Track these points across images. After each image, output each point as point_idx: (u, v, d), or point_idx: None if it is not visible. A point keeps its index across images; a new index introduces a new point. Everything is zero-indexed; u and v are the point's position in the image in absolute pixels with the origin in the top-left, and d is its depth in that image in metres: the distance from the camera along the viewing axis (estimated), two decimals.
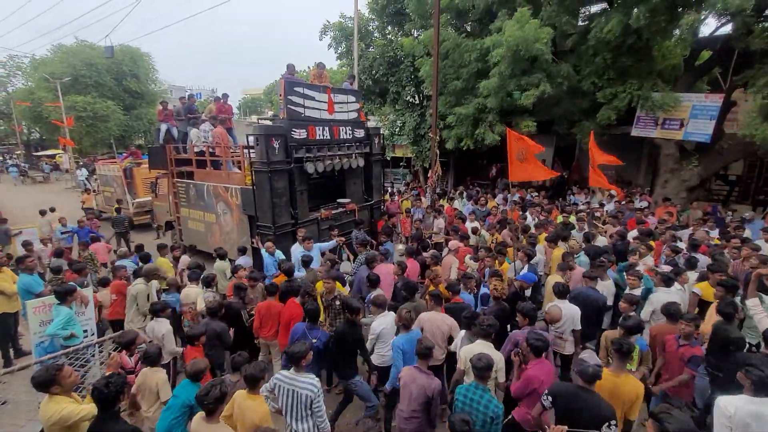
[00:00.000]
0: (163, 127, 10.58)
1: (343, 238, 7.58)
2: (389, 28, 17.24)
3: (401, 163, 20.96)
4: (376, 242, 8.55)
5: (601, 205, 10.12)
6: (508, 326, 4.64)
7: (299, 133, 7.58)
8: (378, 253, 6.17)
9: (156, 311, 4.67)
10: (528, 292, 5.46)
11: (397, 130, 16.40)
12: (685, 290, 5.13)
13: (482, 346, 3.64)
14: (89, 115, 27.93)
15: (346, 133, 8.72)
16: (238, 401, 3.14)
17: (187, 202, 9.54)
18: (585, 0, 11.25)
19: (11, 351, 6.04)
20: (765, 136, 8.49)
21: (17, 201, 16.29)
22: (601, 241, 6.98)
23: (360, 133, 9.18)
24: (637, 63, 10.45)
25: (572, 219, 8.40)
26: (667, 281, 4.93)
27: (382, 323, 4.34)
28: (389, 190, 14.49)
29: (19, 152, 38.69)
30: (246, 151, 7.75)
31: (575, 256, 6.13)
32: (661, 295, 4.77)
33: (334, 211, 8.66)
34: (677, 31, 9.78)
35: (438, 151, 10.92)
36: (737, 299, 4.51)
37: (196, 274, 5.75)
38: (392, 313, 4.58)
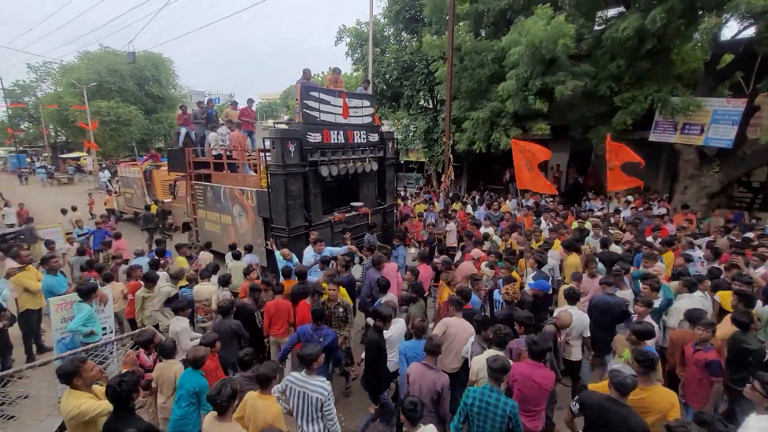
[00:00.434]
0: (183, 130, 10.86)
1: (354, 247, 7.57)
2: (404, 33, 17.37)
3: (411, 165, 20.93)
4: (390, 246, 8.56)
5: (617, 211, 9.92)
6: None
7: (314, 137, 7.68)
8: (383, 255, 6.16)
9: (177, 309, 4.82)
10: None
11: (410, 134, 16.45)
12: (707, 297, 4.99)
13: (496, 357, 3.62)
14: (113, 120, 28.90)
15: (360, 137, 8.79)
16: (250, 402, 3.17)
17: (204, 203, 9.74)
18: (602, 3, 11.12)
19: (34, 347, 6.24)
20: None
21: (44, 201, 16.91)
22: (614, 248, 6.86)
23: (374, 137, 9.24)
24: (654, 67, 10.26)
25: (588, 225, 8.26)
26: (690, 287, 4.83)
27: (391, 329, 4.34)
28: (402, 194, 14.52)
29: (46, 154, 40.12)
30: (262, 154, 7.89)
31: None
32: (685, 302, 4.68)
33: (347, 215, 8.71)
34: (697, 35, 9.57)
35: (451, 156, 10.90)
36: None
37: (208, 272, 5.95)
38: (401, 319, 4.59)
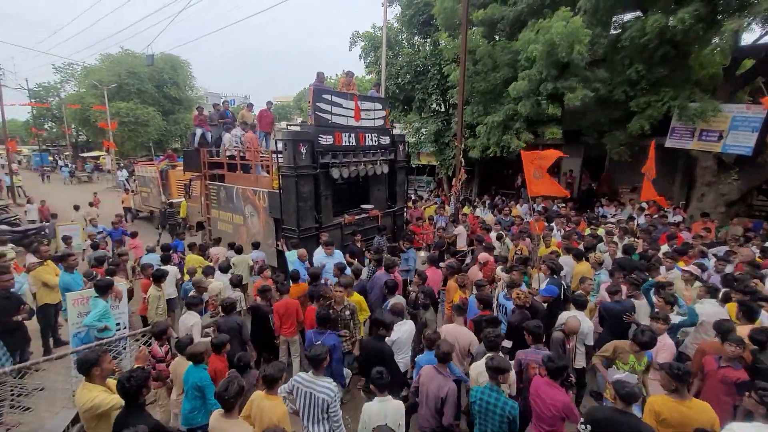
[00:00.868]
0: (198, 131, 11.06)
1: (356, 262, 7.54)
2: (417, 38, 17.44)
3: (422, 168, 20.91)
4: (399, 249, 8.57)
5: (632, 218, 9.73)
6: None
7: (326, 139, 7.75)
8: (396, 258, 6.17)
9: (189, 305, 4.95)
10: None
11: (421, 137, 16.46)
12: (719, 306, 4.86)
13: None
14: (131, 120, 29.64)
15: (371, 139, 8.84)
16: (257, 402, 3.19)
17: (218, 203, 9.90)
18: (618, 8, 10.97)
19: (51, 340, 6.42)
20: None
21: (65, 199, 17.39)
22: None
23: (385, 140, 9.27)
24: (672, 72, 10.08)
25: (600, 231, 8.14)
26: (713, 293, 4.74)
27: (398, 331, 4.35)
28: (411, 197, 14.53)
29: (67, 153, 41.29)
30: (274, 155, 8.00)
31: (596, 272, 5.92)
32: (707, 307, 4.60)
33: (357, 217, 8.75)
34: (716, 39, 9.37)
35: (463, 160, 10.87)
36: None
37: (212, 269, 6.21)
38: (410, 321, 4.59)
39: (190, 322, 4.77)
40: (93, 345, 4.69)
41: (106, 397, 3.08)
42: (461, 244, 9.01)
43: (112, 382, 3.32)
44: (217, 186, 9.86)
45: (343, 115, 8.19)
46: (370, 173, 8.77)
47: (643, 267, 5.97)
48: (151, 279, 5.90)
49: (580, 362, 4.49)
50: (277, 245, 7.91)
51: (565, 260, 6.38)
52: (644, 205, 10.65)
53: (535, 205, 11.66)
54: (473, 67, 12.47)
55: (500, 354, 3.58)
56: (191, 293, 5.39)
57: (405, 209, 10.64)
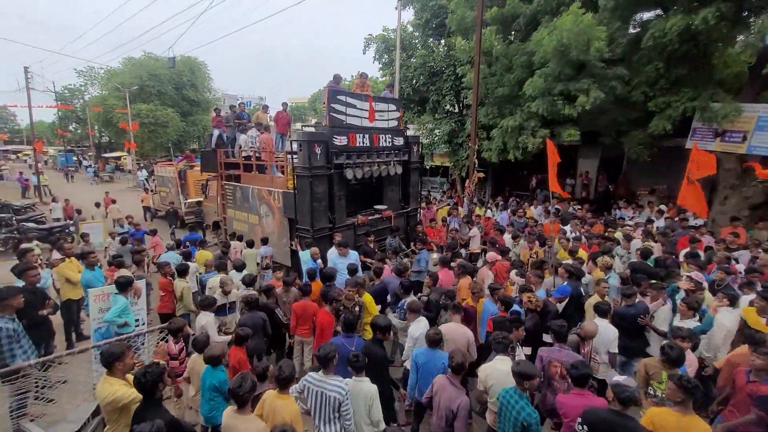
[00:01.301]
0: (216, 132, 11.28)
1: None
2: (431, 39, 17.44)
3: (435, 168, 20.82)
4: (411, 250, 8.57)
5: (650, 221, 9.49)
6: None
7: (340, 140, 7.81)
8: (408, 262, 6.17)
9: (204, 305, 5.01)
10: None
11: (435, 138, 16.43)
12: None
13: (501, 362, 3.57)
14: (151, 122, 30.39)
15: (385, 140, 8.86)
16: (269, 401, 3.20)
17: (234, 203, 10.07)
18: (639, 6, 10.73)
19: (73, 335, 6.64)
20: None
21: (88, 197, 17.93)
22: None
23: (399, 141, 9.28)
24: (694, 71, 9.80)
25: (618, 234, 7.97)
26: (733, 301, 4.60)
27: (418, 328, 4.38)
28: (425, 198, 14.51)
29: (90, 154, 42.60)
30: (289, 156, 8.09)
31: (606, 276, 5.80)
32: (728, 315, 4.48)
33: (370, 218, 8.78)
34: (742, 37, 9.07)
35: (476, 161, 10.79)
36: None
37: (223, 264, 6.40)
38: (425, 319, 4.60)
39: (202, 321, 4.86)
40: (113, 340, 4.83)
41: (126, 391, 3.16)
42: (475, 246, 8.95)
43: (131, 376, 3.42)
44: (233, 186, 10.03)
45: (358, 116, 8.24)
46: (383, 174, 8.79)
47: (660, 273, 5.83)
48: (176, 274, 6.09)
49: (603, 371, 4.38)
50: (292, 245, 8.00)
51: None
52: (663, 207, 10.38)
53: (550, 207, 11.49)
54: (488, 69, 12.38)
55: (507, 358, 3.54)
56: (207, 293, 5.52)
57: (418, 210, 10.63)
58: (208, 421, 3.77)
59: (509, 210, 11.33)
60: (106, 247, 9.17)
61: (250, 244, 8.16)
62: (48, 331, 5.41)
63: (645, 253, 6.42)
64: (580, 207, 11.83)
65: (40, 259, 7.34)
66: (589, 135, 12.42)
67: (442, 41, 16.59)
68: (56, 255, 7.04)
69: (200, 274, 6.80)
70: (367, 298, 5.32)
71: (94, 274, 6.33)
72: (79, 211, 11.98)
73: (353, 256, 6.89)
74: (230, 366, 4.07)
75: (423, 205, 12.11)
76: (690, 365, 3.87)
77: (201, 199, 13.74)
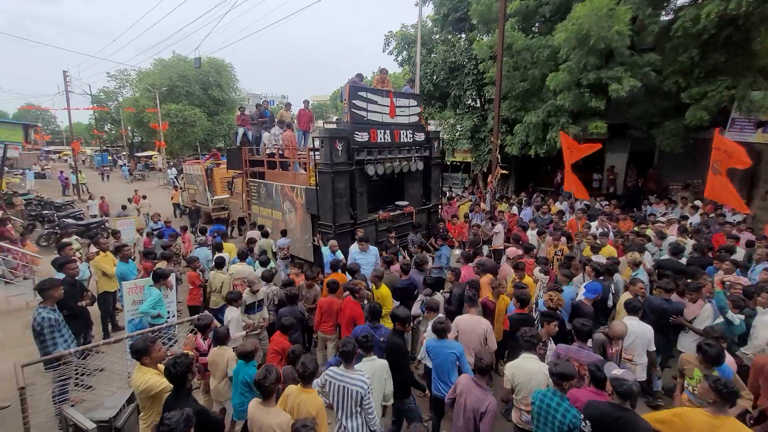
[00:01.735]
0: (240, 130, 11.55)
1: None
2: (451, 35, 17.22)
3: (456, 163, 20.54)
4: (430, 245, 8.53)
5: (684, 217, 9.04)
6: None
7: (361, 136, 7.84)
8: (427, 255, 6.13)
9: (230, 300, 5.16)
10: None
11: (456, 134, 16.23)
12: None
13: (527, 360, 3.52)
14: (180, 121, 31.42)
15: (406, 136, 8.83)
16: (293, 396, 3.20)
17: (258, 200, 10.29)
18: None
19: (109, 325, 6.98)
20: None
21: (122, 195, 18.77)
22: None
23: (420, 137, 9.23)
24: (732, 59, 9.22)
25: (649, 231, 7.66)
26: None
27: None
28: (447, 194, 14.37)
29: (124, 153, 44.51)
30: (311, 152, 8.19)
31: (633, 273, 5.59)
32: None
33: (392, 214, 8.79)
34: None
35: (499, 156, 10.59)
36: None
37: (245, 254, 6.71)
38: (443, 316, 4.57)
39: (229, 316, 5.01)
40: (146, 331, 5.05)
41: (158, 380, 3.31)
42: (498, 243, 8.81)
43: (162, 366, 3.56)
44: (258, 183, 10.24)
45: (379, 112, 8.25)
46: (404, 170, 8.77)
47: (689, 271, 5.58)
48: (216, 266, 6.32)
49: (640, 374, 4.22)
50: (314, 241, 8.10)
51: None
52: (698, 202, 9.88)
53: (576, 203, 11.15)
54: (511, 60, 12.09)
55: (535, 356, 3.48)
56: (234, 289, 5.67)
57: (440, 206, 10.55)
58: (238, 414, 3.89)
59: (533, 206, 11.07)
60: (134, 243, 9.56)
61: (266, 234, 8.50)
62: (86, 322, 5.69)
63: (676, 250, 6.15)
64: (608, 203, 11.42)
65: (79, 253, 7.75)
66: (618, 128, 11.94)
67: (462, 35, 16.33)
68: (93, 249, 7.41)
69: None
70: (384, 290, 5.34)
71: (128, 267, 6.64)
72: (124, 207, 12.86)
73: (373, 251, 6.92)
74: (274, 352, 4.26)
75: (444, 201, 12.01)
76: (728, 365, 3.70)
77: (227, 196, 14.13)
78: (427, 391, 4.45)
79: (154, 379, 3.30)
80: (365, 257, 6.64)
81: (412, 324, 4.43)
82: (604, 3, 9.07)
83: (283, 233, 8.51)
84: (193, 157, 29.89)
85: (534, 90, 11.98)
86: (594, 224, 8.24)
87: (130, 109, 34.01)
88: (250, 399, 3.70)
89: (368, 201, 8.46)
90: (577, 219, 8.98)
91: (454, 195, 14.88)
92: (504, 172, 11.32)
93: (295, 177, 9.14)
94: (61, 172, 25.98)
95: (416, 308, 5.24)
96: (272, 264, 7.37)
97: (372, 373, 3.51)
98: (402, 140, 8.73)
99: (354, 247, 6.94)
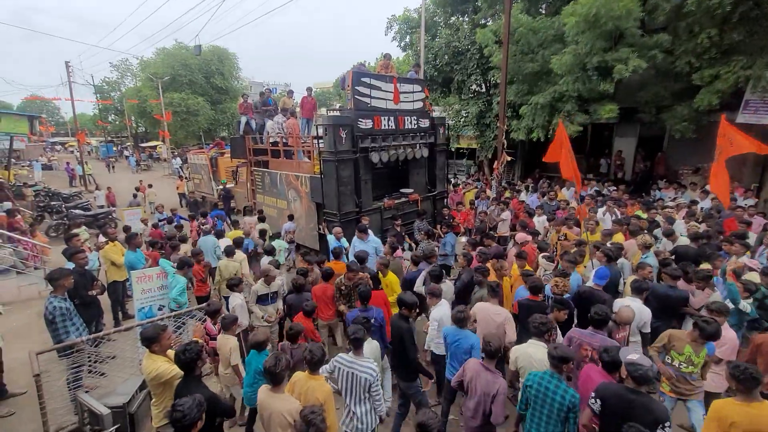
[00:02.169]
0: (243, 119, 11.48)
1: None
2: (454, 18, 16.86)
3: (461, 150, 20.34)
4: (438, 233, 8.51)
5: (694, 202, 8.91)
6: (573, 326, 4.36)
7: (365, 123, 7.76)
8: (435, 245, 6.11)
9: (232, 286, 5.22)
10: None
11: (461, 119, 16.02)
12: None
13: (534, 347, 3.52)
14: (183, 110, 31.31)
15: (411, 123, 8.73)
16: (300, 383, 3.23)
17: (263, 189, 10.29)
18: None
19: (120, 314, 7.09)
20: None
21: (128, 185, 18.90)
22: (683, 240, 6.26)
23: (425, 123, 9.12)
24: (749, 37, 8.91)
25: (659, 217, 7.56)
26: None
27: (440, 312, 4.38)
28: (452, 182, 14.28)
29: (129, 144, 44.60)
30: (315, 141, 8.13)
31: (643, 255, 5.55)
32: None
33: (397, 201, 8.75)
34: None
35: (505, 141, 10.45)
36: None
37: (240, 241, 6.91)
38: (446, 302, 4.61)
39: (232, 303, 5.08)
40: (155, 319, 5.13)
41: (168, 367, 3.36)
42: (503, 230, 8.76)
43: (172, 352, 3.61)
44: (262, 172, 10.23)
45: (383, 99, 8.14)
46: (409, 157, 8.70)
47: (704, 255, 5.51)
48: (226, 255, 6.40)
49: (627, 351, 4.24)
50: (319, 229, 8.11)
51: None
52: (708, 188, 9.70)
53: (583, 191, 11.03)
54: (517, 45, 11.83)
55: (542, 343, 3.48)
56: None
57: (446, 193, 10.49)
58: (249, 401, 3.97)
59: (539, 192, 10.97)
60: (140, 233, 9.66)
61: (262, 219, 8.76)
62: (97, 310, 5.79)
63: (695, 236, 6.06)
64: (615, 188, 11.28)
65: (88, 243, 7.84)
66: (626, 112, 11.70)
67: (466, 18, 15.99)
68: (102, 239, 7.48)
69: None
70: (392, 277, 5.35)
71: (137, 256, 6.72)
72: (135, 195, 13.23)
73: (372, 241, 6.91)
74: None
75: (450, 188, 11.94)
76: (726, 343, 3.75)
77: (232, 185, 14.17)
78: (433, 378, 4.49)
79: (164, 366, 3.35)
80: (365, 246, 6.65)
81: (417, 310, 4.42)
82: None
83: (290, 218, 8.66)
84: (197, 147, 29.89)
85: (542, 73, 11.73)
86: (601, 210, 8.16)
87: (134, 101, 33.94)
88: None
89: (373, 189, 8.42)
90: (586, 206, 8.89)
91: (459, 182, 14.78)
92: (509, 159, 11.19)
93: (299, 165, 9.11)
94: (68, 163, 26.15)
95: (419, 283, 5.23)
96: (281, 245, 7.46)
97: (371, 354, 3.63)
98: (406, 127, 8.63)
99: (355, 238, 6.95)
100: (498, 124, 10.42)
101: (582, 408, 3.04)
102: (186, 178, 18.36)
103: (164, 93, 29.97)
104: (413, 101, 8.89)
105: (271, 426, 3.00)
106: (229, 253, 6.33)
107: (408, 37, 17.56)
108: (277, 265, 6.31)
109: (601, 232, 6.50)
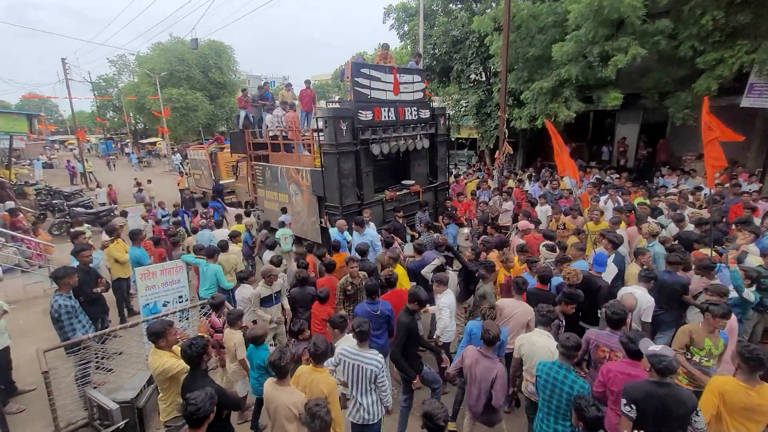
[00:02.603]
0: (242, 113, 11.41)
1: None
2: (452, 5, 16.62)
3: (461, 140, 20.20)
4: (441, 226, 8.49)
5: (699, 188, 8.85)
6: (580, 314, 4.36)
7: (365, 115, 7.70)
8: (442, 236, 6.08)
9: (241, 278, 5.27)
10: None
11: (461, 109, 15.90)
12: None
13: (539, 335, 3.53)
14: (182, 106, 31.17)
15: (411, 113, 8.66)
16: (304, 376, 3.25)
17: (264, 183, 10.25)
18: None
19: (125, 310, 7.14)
20: None
21: (129, 182, 18.89)
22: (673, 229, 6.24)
23: (425, 114, 9.05)
24: (755, 19, 8.75)
25: (661, 205, 7.53)
26: None
27: (449, 299, 4.44)
28: (453, 172, 14.22)
29: (129, 141, 44.51)
30: (315, 133, 8.09)
31: (649, 244, 5.52)
32: None
33: (398, 193, 8.72)
34: None
35: (506, 131, 10.36)
36: None
37: (237, 233, 7.16)
38: (450, 290, 4.63)
39: (245, 294, 5.12)
40: (160, 315, 5.15)
41: (174, 362, 3.38)
42: (506, 220, 8.74)
43: (178, 348, 3.64)
44: (262, 166, 10.18)
45: (382, 89, 8.06)
46: (410, 148, 8.64)
47: (704, 240, 5.49)
48: (219, 250, 6.40)
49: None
50: (321, 222, 8.10)
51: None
52: (715, 174, 9.59)
53: (586, 178, 10.97)
54: (516, 32, 11.67)
55: (547, 333, 3.48)
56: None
57: (447, 184, 10.45)
58: (257, 392, 4.01)
59: (541, 181, 10.92)
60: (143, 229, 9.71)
61: (248, 214, 9.21)
62: (102, 307, 5.83)
63: (700, 222, 6.04)
64: (618, 176, 11.22)
65: (91, 241, 7.85)
66: (629, 98, 11.59)
67: (463, 4, 15.75)
68: (105, 237, 7.50)
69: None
70: (400, 270, 5.34)
71: (141, 251, 6.80)
72: (140, 189, 13.49)
73: (369, 234, 6.88)
74: (322, 321, 4.63)
75: (452, 179, 11.89)
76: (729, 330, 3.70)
77: (233, 180, 14.17)
78: (442, 353, 4.48)
79: (170, 361, 3.38)
80: (361, 239, 6.66)
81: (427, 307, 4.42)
82: None
83: (283, 210, 8.89)
84: (197, 142, 29.83)
85: (543, 59, 11.60)
86: (603, 198, 8.12)
87: (132, 98, 33.78)
88: (265, 380, 3.80)
89: (374, 181, 8.38)
90: (589, 194, 8.85)
91: (461, 173, 14.72)
92: (510, 151, 11.10)
93: (299, 159, 9.06)
94: (68, 161, 26.14)
95: (427, 270, 5.22)
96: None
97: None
98: (407, 118, 8.56)
99: (354, 231, 6.96)
100: (499, 113, 10.32)
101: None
102: (186, 173, 18.34)
103: (162, 89, 29.81)
104: (413, 92, 8.81)
105: (277, 418, 3.03)
106: (223, 248, 6.34)
107: (406, 25, 17.34)
108: (279, 261, 6.24)
109: (609, 221, 6.45)
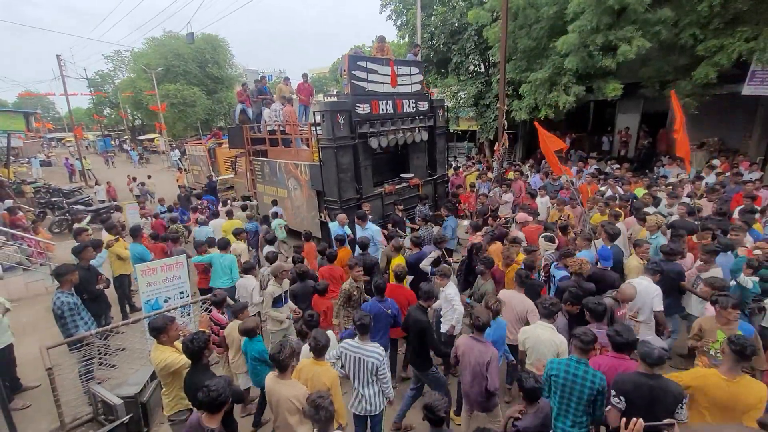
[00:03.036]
0: (239, 107, 11.35)
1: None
2: None
3: (458, 132, 20.09)
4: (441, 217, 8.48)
5: (699, 177, 8.82)
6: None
7: (363, 108, 7.66)
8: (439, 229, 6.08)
9: (245, 270, 5.32)
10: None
11: (460, 101, 15.80)
12: None
13: (541, 328, 3.55)
14: (179, 101, 30.98)
15: (409, 106, 8.61)
16: (306, 370, 3.27)
17: (262, 178, 10.24)
18: None
19: (127, 307, 7.17)
20: None
21: (126, 178, 18.88)
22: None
23: (423, 106, 9.00)
24: (756, 5, 8.66)
25: (661, 194, 7.51)
26: None
27: (453, 290, 4.48)
28: (452, 164, 14.18)
29: (126, 137, 44.31)
30: (313, 128, 8.05)
31: (652, 235, 5.50)
32: None
33: (397, 186, 8.71)
34: None
35: (506, 122, 10.31)
36: None
37: (240, 230, 7.12)
38: (452, 283, 4.64)
39: (249, 286, 5.18)
40: (162, 311, 5.17)
41: (176, 357, 3.41)
42: (506, 212, 8.73)
43: (179, 343, 3.65)
44: (261, 161, 10.16)
45: (380, 82, 8.02)
46: (409, 141, 8.61)
47: (699, 227, 5.50)
48: (218, 249, 6.34)
49: (644, 333, 4.17)
50: (321, 216, 8.10)
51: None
52: (716, 162, 9.60)
53: (585, 169, 10.94)
54: (514, 22, 11.55)
55: (551, 325, 3.49)
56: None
57: (446, 177, 10.42)
58: (258, 383, 4.04)
59: (542, 172, 10.89)
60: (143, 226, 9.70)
61: (244, 208, 9.36)
62: (105, 304, 5.85)
63: (690, 210, 6.05)
64: (618, 166, 11.19)
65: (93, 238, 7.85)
66: (629, 87, 11.52)
67: None
68: (105, 235, 7.49)
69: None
70: (401, 259, 5.37)
71: (142, 248, 6.84)
72: (143, 183, 13.67)
73: (370, 228, 6.84)
74: (323, 313, 4.61)
75: (451, 171, 11.86)
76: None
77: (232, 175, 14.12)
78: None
79: (172, 356, 3.40)
80: (363, 233, 6.63)
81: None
82: None
83: (274, 203, 9.08)
84: (195, 138, 29.70)
85: (540, 49, 11.50)
86: (602, 188, 8.11)
87: (129, 93, 33.56)
88: (262, 371, 3.82)
89: (373, 174, 8.37)
90: (588, 184, 8.84)
91: (460, 165, 14.67)
92: (506, 144, 11.04)
93: (297, 153, 9.04)
94: (66, 158, 26.03)
95: (425, 263, 5.24)
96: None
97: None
98: (405, 110, 8.52)
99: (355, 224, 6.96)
100: (498, 105, 10.25)
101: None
102: (185, 169, 18.29)
103: (159, 84, 29.62)
104: (411, 84, 8.75)
105: (280, 411, 3.06)
106: (222, 247, 6.22)
107: (404, 16, 17.16)
108: (275, 257, 6.18)
109: (609, 213, 6.44)
